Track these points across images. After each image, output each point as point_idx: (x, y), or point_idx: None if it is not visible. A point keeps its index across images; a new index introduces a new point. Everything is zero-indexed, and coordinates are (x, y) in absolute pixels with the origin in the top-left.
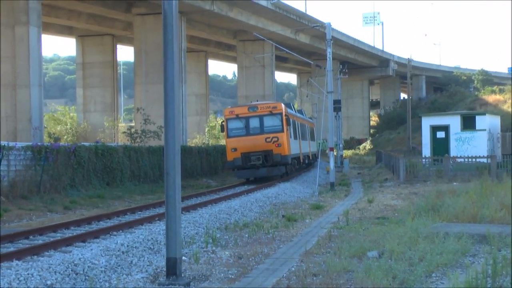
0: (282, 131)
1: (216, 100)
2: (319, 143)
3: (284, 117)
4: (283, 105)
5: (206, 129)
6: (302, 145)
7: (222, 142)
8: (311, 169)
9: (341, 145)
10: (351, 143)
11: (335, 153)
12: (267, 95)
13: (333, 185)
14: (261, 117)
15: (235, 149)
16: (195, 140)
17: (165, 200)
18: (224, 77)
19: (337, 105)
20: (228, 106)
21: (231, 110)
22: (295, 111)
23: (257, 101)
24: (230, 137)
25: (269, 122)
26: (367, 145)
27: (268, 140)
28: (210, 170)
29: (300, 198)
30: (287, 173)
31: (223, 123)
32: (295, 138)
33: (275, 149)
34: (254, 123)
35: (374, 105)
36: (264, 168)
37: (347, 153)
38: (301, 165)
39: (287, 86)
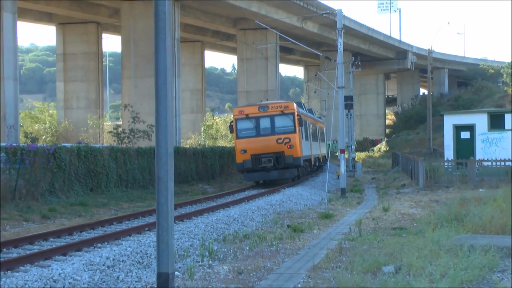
0: (294, 131)
1: (213, 96)
2: (329, 145)
3: (296, 117)
4: (295, 105)
5: (202, 129)
6: (312, 146)
7: (220, 143)
8: (320, 174)
9: (353, 147)
10: (364, 145)
11: (346, 156)
12: (271, 90)
13: (344, 191)
14: (272, 117)
15: (245, 151)
16: (190, 141)
17: (156, 208)
18: (223, 70)
19: (348, 102)
20: (228, 103)
21: (241, 110)
22: (306, 111)
23: (266, 100)
24: (239, 138)
25: (280, 122)
26: (382, 146)
27: (279, 141)
28: (207, 175)
29: (307, 206)
30: (299, 176)
31: (232, 123)
32: (307, 139)
33: (286, 150)
34: (264, 123)
35: (390, 101)
36: (275, 171)
37: (360, 155)
38: (312, 168)
39: (292, 81)
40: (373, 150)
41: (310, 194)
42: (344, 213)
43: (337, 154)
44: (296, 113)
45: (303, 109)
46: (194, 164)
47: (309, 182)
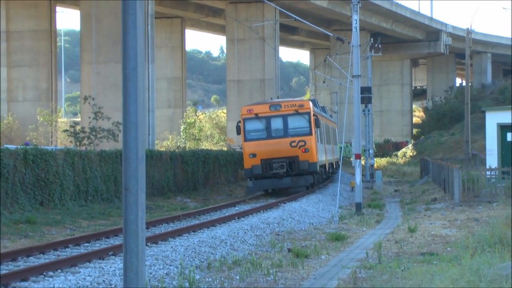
0: (310, 134)
1: (196, 86)
2: (340, 148)
3: (312, 118)
4: (311, 103)
5: (182, 127)
6: (326, 150)
7: (204, 145)
8: (329, 184)
9: (371, 151)
10: (386, 148)
11: (362, 162)
12: (268, 79)
13: (359, 207)
14: (285, 117)
15: (254, 155)
16: (167, 142)
17: (123, 227)
18: (208, 54)
19: (366, 95)
20: (215, 95)
21: (249, 109)
22: (320, 109)
23: (274, 100)
24: (248, 140)
25: (294, 123)
26: (408, 150)
27: (293, 144)
28: (187, 185)
29: (314, 224)
30: (314, 184)
31: (239, 123)
32: (321, 142)
33: (301, 155)
34: (276, 124)
35: (418, 94)
36: (288, 178)
37: (380, 161)
38: (327, 175)
39: (296, 67)
40: (396, 156)
41: (316, 210)
42: (359, 234)
43: (350, 160)
44: (312, 113)
45: (317, 107)
46: (172, 171)
47: (316, 195)
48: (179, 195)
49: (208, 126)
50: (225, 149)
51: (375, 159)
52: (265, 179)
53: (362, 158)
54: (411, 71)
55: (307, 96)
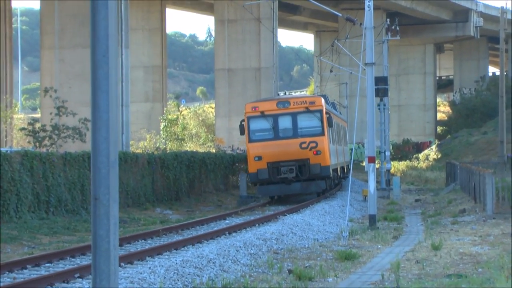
0: (322, 134)
1: (179, 76)
2: (351, 150)
3: (325, 116)
4: (323, 100)
5: (162, 125)
6: (338, 152)
7: (189, 146)
8: (337, 193)
9: (387, 153)
10: (405, 150)
11: (377, 166)
12: (265, 68)
13: (374, 220)
14: (294, 115)
15: (260, 158)
16: (144, 143)
17: (92, 245)
18: (193, 38)
19: (381, 86)
20: (201, 87)
21: (254, 106)
22: (330, 105)
23: (281, 96)
24: (252, 141)
25: (305, 122)
26: (432, 153)
27: (303, 145)
28: (169, 194)
29: (319, 241)
30: (326, 190)
31: (243, 122)
32: (333, 143)
33: (312, 157)
34: (285, 123)
35: (443, 86)
36: (297, 183)
37: (398, 166)
38: (339, 180)
39: (298, 54)
40: (417, 159)
41: (322, 224)
42: (373, 253)
43: (362, 164)
44: (324, 110)
45: (328, 103)
46: (150, 178)
47: (322, 205)
48: (158, 205)
49: (193, 124)
50: (214, 151)
51: (392, 162)
52: (272, 184)
53: (376, 161)
54: (435, 58)
55: (311, 88)
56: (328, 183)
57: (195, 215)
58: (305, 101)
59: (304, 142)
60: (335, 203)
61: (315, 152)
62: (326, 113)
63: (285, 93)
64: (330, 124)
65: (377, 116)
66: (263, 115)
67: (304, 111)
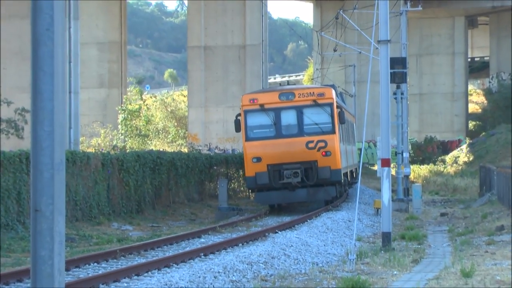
0: (333, 131)
1: (142, 55)
2: (359, 150)
3: (335, 110)
4: (333, 91)
5: (121, 117)
6: (347, 153)
7: (155, 144)
8: (342, 204)
9: (405, 155)
10: (427, 151)
11: (393, 172)
12: (251, 46)
13: (388, 238)
14: (300, 109)
15: (259, 159)
16: (97, 140)
17: (32, 268)
18: (160, 7)
19: (398, 70)
20: (170, 69)
21: (253, 98)
22: (339, 96)
23: (284, 86)
24: (250, 139)
25: (312, 117)
26: (462, 154)
27: (310, 145)
28: (128, 205)
29: (319, 265)
30: (337, 197)
31: (239, 117)
32: (343, 142)
33: (321, 159)
34: (288, 118)
35: (477, 69)
36: (303, 189)
37: (419, 171)
38: (349, 185)
39: (292, 28)
40: (443, 162)
41: (323, 243)
42: (387, 280)
43: (374, 167)
44: (335, 104)
45: (337, 95)
46: (104, 184)
47: (322, 220)
48: (115, 219)
49: (160, 116)
50: (186, 150)
51: (411, 166)
52: (273, 190)
53: (392, 165)
54: (466, 34)
55: (310, 72)
56: (339, 189)
57: (162, 231)
58: (313, 92)
59: (311, 141)
60: (339, 217)
61: (324, 153)
62: (337, 107)
63: (282, 82)
64: (341, 120)
65: (393, 108)
66: (262, 108)
67: (312, 105)
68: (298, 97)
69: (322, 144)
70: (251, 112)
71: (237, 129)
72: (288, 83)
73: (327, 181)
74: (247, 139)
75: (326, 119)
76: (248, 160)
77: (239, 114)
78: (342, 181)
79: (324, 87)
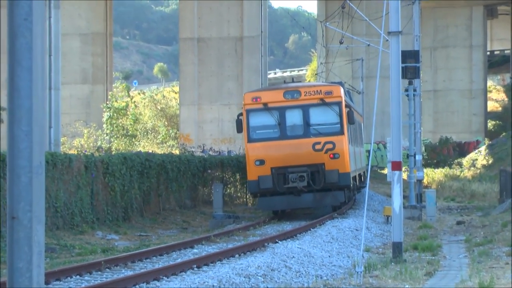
0: (341, 132)
1: (129, 47)
2: (368, 153)
3: (344, 110)
4: (342, 90)
5: (106, 116)
6: (356, 155)
7: (143, 145)
8: (348, 211)
9: (419, 157)
10: (442, 153)
11: (404, 176)
12: (249, 38)
13: (399, 249)
14: (306, 109)
15: (262, 162)
16: (80, 140)
17: (8, 281)
18: None
19: (411, 64)
20: (160, 63)
21: (255, 96)
22: (347, 95)
23: (290, 84)
24: (253, 141)
25: (319, 117)
26: (481, 157)
27: (317, 147)
28: (114, 212)
29: (323, 278)
30: (345, 203)
31: (241, 117)
32: (352, 143)
33: (328, 162)
34: (294, 118)
35: (497, 64)
36: (309, 194)
37: (434, 175)
38: (357, 190)
39: (294, 18)
40: (460, 165)
41: (328, 255)
42: None
43: (384, 171)
44: (344, 103)
45: (346, 94)
46: (88, 189)
47: (327, 228)
48: (100, 228)
49: (149, 114)
50: (177, 152)
51: (424, 170)
52: (277, 195)
53: (403, 168)
54: (485, 25)
55: (313, 66)
56: (347, 194)
57: (151, 241)
58: (320, 90)
59: (318, 143)
60: (345, 226)
61: (331, 156)
62: (346, 106)
63: (283, 77)
64: (350, 121)
65: (405, 106)
66: (266, 108)
67: (319, 104)
68: (304, 95)
69: (330, 146)
70: (253, 111)
71: (239, 129)
72: (293, 80)
73: (335, 185)
74: (250, 140)
75: (334, 119)
76: (250, 163)
77: (241, 114)
78: (351, 185)
79: (332, 84)
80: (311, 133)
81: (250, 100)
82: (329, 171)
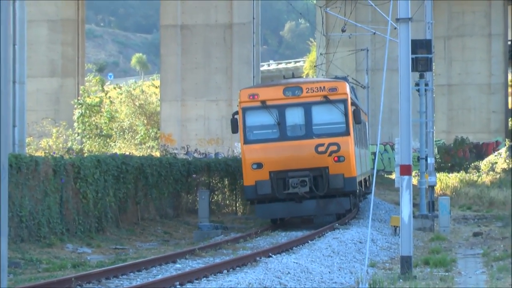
0: (347, 133)
1: (104, 36)
2: (373, 155)
3: (350, 108)
4: (347, 86)
5: (77, 113)
6: (361, 157)
7: (119, 146)
8: (351, 221)
9: (431, 160)
10: (458, 156)
11: (414, 181)
12: (239, 25)
13: (408, 264)
14: (308, 107)
15: (260, 165)
16: (48, 141)
17: None
18: None
19: (422, 55)
20: (139, 53)
21: (253, 93)
22: (351, 91)
23: (290, 80)
24: (249, 142)
25: (323, 116)
26: (500, 160)
27: (321, 149)
28: (87, 222)
29: None
30: (351, 210)
31: (237, 116)
32: (357, 145)
33: (333, 166)
34: (295, 117)
35: None
36: (312, 201)
37: (448, 180)
38: (362, 197)
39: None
40: (477, 169)
41: (328, 270)
42: None
43: (391, 176)
44: (349, 101)
45: (351, 91)
46: (56, 196)
47: (327, 240)
48: (70, 240)
49: (126, 112)
50: (158, 154)
51: (437, 175)
52: (276, 202)
53: (413, 173)
54: (505, 11)
55: (312, 57)
56: (353, 201)
57: (128, 255)
58: (323, 87)
59: (322, 145)
60: (348, 238)
61: (336, 159)
62: (352, 104)
63: (278, 70)
64: (357, 120)
65: (415, 102)
66: (264, 106)
67: (322, 101)
68: (306, 92)
69: (335, 148)
70: (250, 110)
71: (234, 130)
72: (293, 75)
73: (339, 191)
74: (246, 141)
75: (339, 118)
76: (247, 167)
77: (236, 113)
78: (357, 191)
79: (337, 80)
80: (313, 134)
81: (246, 97)
82: (333, 176)
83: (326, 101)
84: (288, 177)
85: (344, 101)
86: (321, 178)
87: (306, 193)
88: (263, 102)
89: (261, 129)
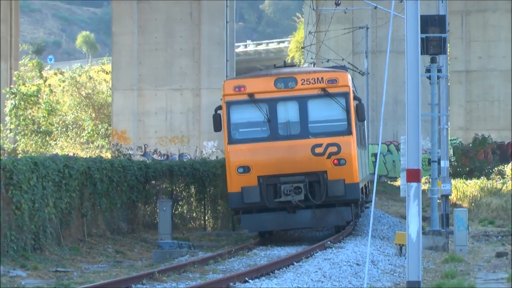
0: (349, 132)
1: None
2: (373, 156)
3: (352, 103)
4: (349, 77)
5: (10, 104)
6: (362, 160)
7: (61, 145)
8: (345, 238)
9: (445, 163)
10: (477, 158)
11: (424, 188)
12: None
13: None
14: (303, 102)
15: (247, 169)
16: None
17: None
18: None
19: (434, 34)
20: (86, 31)
21: (238, 85)
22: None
23: (282, 69)
24: (235, 142)
25: (321, 112)
26: None
27: (318, 150)
28: (22, 238)
29: None
30: (352, 221)
31: (220, 111)
32: (358, 145)
33: (331, 170)
34: (288, 113)
35: None
36: (307, 211)
37: (465, 187)
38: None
39: None
40: (501, 175)
41: None
42: None
43: (396, 183)
44: (351, 94)
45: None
46: None
47: (316, 262)
48: (1, 261)
49: (70, 103)
50: (109, 156)
51: (453, 181)
52: (266, 212)
53: (424, 179)
54: None
55: (298, 37)
56: (355, 211)
57: (72, 279)
58: (321, 78)
59: (319, 145)
60: (342, 259)
61: (336, 162)
62: (355, 98)
63: (258, 51)
64: (360, 117)
65: (426, 92)
66: (252, 99)
67: (320, 95)
68: (302, 84)
69: (334, 149)
70: (236, 104)
71: (217, 127)
72: (285, 63)
73: (340, 199)
74: (231, 141)
75: (340, 115)
76: (231, 170)
77: (220, 107)
78: (360, 199)
79: (337, 70)
80: (309, 133)
81: (231, 90)
82: (332, 182)
83: (325, 94)
84: (280, 183)
85: (346, 95)
86: (318, 185)
87: (300, 201)
88: (250, 95)
89: (248, 127)
